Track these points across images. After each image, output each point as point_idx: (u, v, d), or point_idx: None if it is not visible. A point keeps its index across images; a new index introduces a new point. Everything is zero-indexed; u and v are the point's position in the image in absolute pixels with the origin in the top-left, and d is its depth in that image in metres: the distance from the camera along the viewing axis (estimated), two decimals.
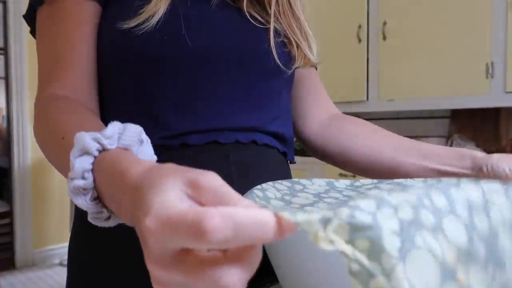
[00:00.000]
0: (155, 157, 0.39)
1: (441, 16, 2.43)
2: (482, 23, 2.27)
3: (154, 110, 0.54)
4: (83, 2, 0.56)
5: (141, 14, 0.52)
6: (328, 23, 2.73)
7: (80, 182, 0.34)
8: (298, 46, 0.65)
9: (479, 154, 0.63)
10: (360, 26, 2.79)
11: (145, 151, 0.37)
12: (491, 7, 2.24)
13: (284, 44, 0.64)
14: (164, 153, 0.52)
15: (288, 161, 0.68)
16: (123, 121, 0.39)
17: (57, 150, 0.43)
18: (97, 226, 0.55)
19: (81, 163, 0.34)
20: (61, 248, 3.48)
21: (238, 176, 0.56)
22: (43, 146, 0.49)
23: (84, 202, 0.35)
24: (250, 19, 0.60)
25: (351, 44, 2.83)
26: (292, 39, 0.64)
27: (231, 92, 0.57)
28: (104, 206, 0.36)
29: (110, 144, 0.34)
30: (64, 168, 0.39)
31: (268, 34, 0.61)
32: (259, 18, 0.62)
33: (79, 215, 0.59)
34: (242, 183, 0.55)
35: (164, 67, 0.54)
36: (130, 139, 0.35)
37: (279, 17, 0.64)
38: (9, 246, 3.36)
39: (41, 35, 0.58)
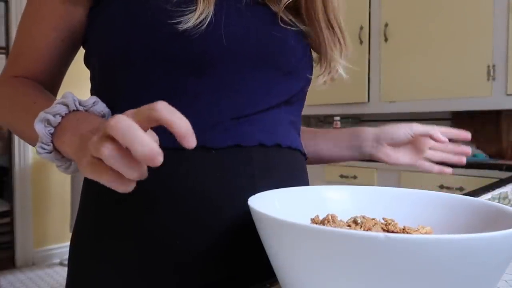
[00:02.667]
0: (107, 109, 0.51)
1: (442, 18, 2.43)
2: (483, 25, 2.27)
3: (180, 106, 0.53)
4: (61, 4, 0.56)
5: (191, 15, 0.50)
6: None
7: (52, 118, 0.46)
8: (328, 55, 0.65)
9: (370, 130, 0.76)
10: (361, 28, 2.79)
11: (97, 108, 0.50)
12: (492, 10, 2.24)
13: (310, 48, 0.64)
14: (181, 155, 0.51)
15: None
16: None
17: (27, 114, 0.51)
18: (99, 224, 0.55)
19: (59, 109, 0.46)
20: (61, 248, 3.48)
21: (261, 179, 0.55)
22: (6, 113, 0.57)
23: (48, 155, 0.49)
24: (280, 21, 0.59)
25: (353, 46, 2.84)
26: (323, 45, 0.64)
27: (253, 90, 0.56)
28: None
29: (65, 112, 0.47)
30: (31, 130, 0.47)
31: (293, 35, 0.60)
32: (286, 19, 0.60)
33: (83, 212, 0.58)
34: (265, 187, 0.54)
35: (204, 66, 0.52)
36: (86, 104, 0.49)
37: (311, 21, 0.63)
38: (10, 245, 3.36)
39: (21, 20, 0.61)
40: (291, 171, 0.60)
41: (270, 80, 0.58)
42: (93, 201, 0.57)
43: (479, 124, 2.58)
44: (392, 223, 0.43)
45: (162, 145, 0.51)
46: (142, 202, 0.52)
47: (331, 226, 0.43)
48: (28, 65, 0.60)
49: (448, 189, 2.21)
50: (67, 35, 0.58)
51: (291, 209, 0.47)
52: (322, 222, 0.44)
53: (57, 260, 3.42)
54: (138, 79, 0.54)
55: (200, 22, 0.51)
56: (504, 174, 2.00)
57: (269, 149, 0.57)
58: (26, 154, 3.31)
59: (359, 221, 0.43)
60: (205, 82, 0.53)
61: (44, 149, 0.48)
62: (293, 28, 0.60)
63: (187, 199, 0.52)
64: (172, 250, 0.52)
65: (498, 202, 0.78)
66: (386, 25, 2.68)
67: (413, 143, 0.76)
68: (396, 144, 0.75)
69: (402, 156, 0.75)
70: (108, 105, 0.53)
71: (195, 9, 0.51)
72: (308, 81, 0.64)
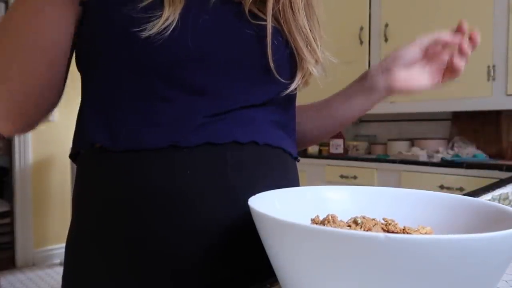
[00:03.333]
0: None
1: (442, 19, 2.43)
2: (483, 26, 2.27)
3: (148, 107, 0.53)
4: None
5: (156, 21, 0.50)
6: (329, 24, 2.73)
7: None
8: (300, 57, 0.59)
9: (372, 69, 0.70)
10: (362, 28, 2.79)
11: None
12: (492, 10, 2.24)
13: (286, 47, 0.59)
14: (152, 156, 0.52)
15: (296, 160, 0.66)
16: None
17: None
18: (90, 227, 0.55)
19: None
20: (61, 248, 3.48)
21: (236, 178, 0.54)
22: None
23: None
24: (249, 17, 0.56)
25: (353, 46, 2.84)
26: (293, 47, 0.59)
27: (226, 90, 0.55)
28: None
29: None
30: None
31: (266, 34, 0.56)
32: (260, 15, 0.57)
33: (75, 216, 0.59)
34: (241, 187, 0.54)
35: (171, 69, 0.52)
36: None
37: (279, 18, 0.59)
38: (10, 246, 3.36)
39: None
40: (270, 169, 0.58)
41: (244, 81, 0.56)
42: (83, 204, 0.57)
43: (479, 124, 2.58)
44: (392, 223, 0.43)
45: (140, 146, 0.52)
46: (125, 206, 0.52)
47: (331, 226, 0.43)
48: None
49: (448, 189, 2.21)
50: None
51: (291, 209, 0.47)
52: (322, 222, 0.44)
53: (58, 261, 3.42)
54: (112, 84, 0.54)
55: (164, 28, 0.50)
56: (504, 175, 2.00)
57: (244, 146, 0.55)
58: (26, 155, 3.31)
59: (359, 221, 0.43)
60: (175, 85, 0.53)
61: None
62: (263, 23, 0.56)
63: (164, 201, 0.52)
64: (161, 252, 0.52)
65: (499, 203, 0.78)
66: (386, 25, 2.68)
67: (429, 59, 0.69)
68: (407, 64, 0.68)
69: (418, 77, 0.69)
70: (92, 108, 0.55)
71: (161, 15, 0.50)
72: (285, 85, 0.59)
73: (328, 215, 0.44)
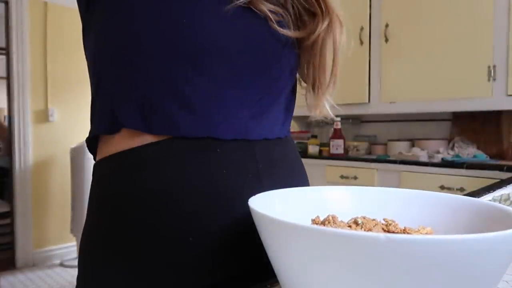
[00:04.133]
0: None
1: (443, 19, 2.43)
2: (484, 26, 2.27)
3: (181, 94, 0.53)
4: None
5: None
6: None
7: None
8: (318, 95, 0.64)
9: None
10: (362, 28, 2.79)
11: None
12: (492, 10, 2.24)
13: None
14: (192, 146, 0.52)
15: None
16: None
17: None
18: (108, 228, 0.55)
19: None
20: (61, 249, 3.48)
21: (266, 176, 0.56)
22: None
23: None
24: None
25: (353, 46, 2.84)
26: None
27: (249, 87, 0.57)
28: None
29: None
30: None
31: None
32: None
33: (93, 213, 0.58)
34: (270, 183, 0.56)
35: (198, 57, 0.53)
36: None
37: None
38: (10, 246, 3.36)
39: None
40: (291, 163, 0.63)
41: (262, 75, 0.58)
42: (108, 203, 0.56)
43: (480, 124, 2.58)
44: (393, 223, 0.43)
45: (177, 133, 0.52)
46: (162, 203, 0.52)
47: (331, 226, 0.43)
48: None
49: (449, 189, 2.20)
50: None
51: (291, 209, 0.47)
52: (323, 223, 0.44)
53: (58, 261, 3.42)
54: (143, 68, 0.53)
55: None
56: (505, 175, 2.00)
57: (271, 142, 0.59)
58: (26, 155, 3.31)
59: (359, 222, 0.43)
60: (204, 74, 0.53)
61: None
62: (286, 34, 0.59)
63: (190, 198, 0.52)
64: (176, 250, 0.52)
65: (500, 204, 0.78)
66: (387, 25, 2.68)
67: None
68: None
69: None
70: (120, 90, 0.54)
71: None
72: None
73: (328, 216, 0.44)
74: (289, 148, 0.64)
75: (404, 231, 0.42)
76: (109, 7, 0.54)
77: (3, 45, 3.36)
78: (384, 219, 0.45)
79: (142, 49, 0.52)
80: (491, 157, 2.43)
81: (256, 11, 0.57)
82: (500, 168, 2.08)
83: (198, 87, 0.53)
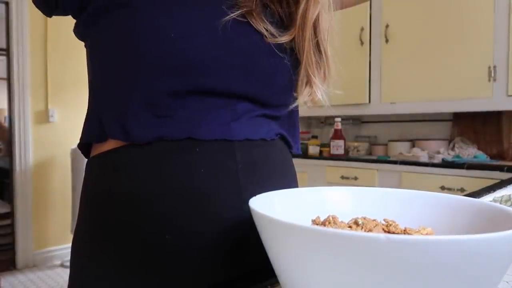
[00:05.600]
0: None
1: (443, 20, 2.43)
2: (484, 26, 2.27)
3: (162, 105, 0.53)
4: None
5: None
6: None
7: None
8: (309, 79, 0.61)
9: None
10: (362, 29, 2.79)
11: None
12: (493, 11, 2.24)
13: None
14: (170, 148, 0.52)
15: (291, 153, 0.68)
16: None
17: None
18: (98, 224, 0.55)
19: None
20: (62, 249, 3.48)
21: (245, 177, 0.55)
22: None
23: None
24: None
25: (354, 47, 2.84)
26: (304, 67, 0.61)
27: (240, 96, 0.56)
28: None
29: None
30: None
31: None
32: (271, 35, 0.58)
33: (83, 214, 0.59)
34: (249, 185, 0.55)
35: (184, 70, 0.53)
36: None
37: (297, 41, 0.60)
38: (10, 247, 3.36)
39: None
40: (276, 167, 0.61)
41: (253, 87, 0.57)
42: (93, 202, 0.57)
43: (480, 125, 2.58)
44: (393, 224, 0.43)
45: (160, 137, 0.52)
46: (138, 202, 0.52)
47: (332, 227, 0.43)
48: None
49: (449, 190, 2.20)
50: None
51: (291, 210, 0.47)
52: (323, 223, 0.44)
53: (58, 262, 3.42)
54: (127, 82, 0.54)
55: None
56: (505, 175, 2.00)
57: (254, 143, 0.58)
58: (26, 156, 3.31)
59: (360, 222, 0.43)
60: (189, 85, 0.53)
61: None
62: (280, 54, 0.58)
63: (165, 197, 0.52)
64: (170, 252, 0.52)
65: (501, 204, 0.78)
66: (387, 26, 2.68)
67: None
68: None
69: None
70: (106, 103, 0.55)
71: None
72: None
73: (328, 216, 0.44)
74: (276, 150, 0.61)
75: (404, 231, 0.42)
76: (105, 22, 0.55)
77: (3, 46, 3.36)
78: (384, 220, 0.45)
79: (130, 61, 0.53)
80: (492, 157, 2.43)
81: (252, 24, 0.57)
82: (500, 168, 2.08)
83: (183, 100, 0.53)
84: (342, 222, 0.44)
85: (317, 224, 0.44)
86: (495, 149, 2.50)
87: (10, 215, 3.40)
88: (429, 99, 2.49)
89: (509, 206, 0.77)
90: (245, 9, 0.56)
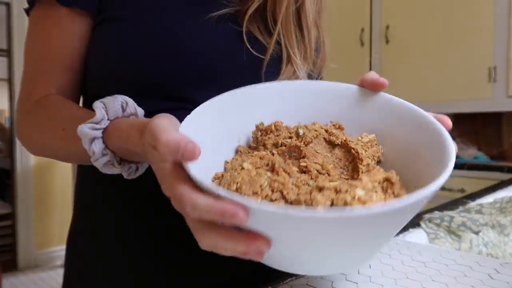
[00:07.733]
0: (141, 111, 0.46)
1: (443, 20, 2.43)
2: (484, 27, 2.27)
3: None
4: (75, 16, 0.54)
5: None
6: (331, 26, 2.73)
7: (104, 159, 0.42)
8: (290, 61, 0.60)
9: None
10: (363, 30, 2.79)
11: (131, 110, 0.45)
12: (493, 11, 2.24)
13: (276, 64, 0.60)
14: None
15: None
16: None
17: (59, 140, 0.49)
18: (92, 226, 0.56)
19: (97, 147, 0.42)
20: (63, 250, 3.48)
21: None
22: (40, 139, 0.53)
23: (115, 169, 0.43)
24: (248, 41, 0.57)
25: (354, 48, 2.84)
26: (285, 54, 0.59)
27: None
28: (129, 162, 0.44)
29: (105, 123, 0.43)
30: (69, 152, 0.49)
31: (263, 64, 0.57)
32: (259, 37, 0.58)
33: (76, 215, 0.60)
34: None
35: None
36: (114, 111, 0.43)
37: (282, 34, 0.59)
38: (12, 248, 3.36)
39: (30, 35, 0.56)
40: None
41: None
42: (86, 203, 0.58)
43: (480, 126, 2.58)
44: (334, 133, 0.43)
45: None
46: (132, 204, 0.53)
47: (274, 136, 0.43)
48: (54, 79, 0.55)
49: (450, 190, 2.21)
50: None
51: (227, 120, 0.44)
52: (266, 130, 0.44)
53: (60, 262, 3.42)
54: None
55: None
56: (506, 176, 2.00)
57: None
58: (28, 157, 3.31)
59: (301, 133, 0.43)
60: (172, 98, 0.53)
61: (105, 154, 0.43)
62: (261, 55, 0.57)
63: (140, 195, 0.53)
64: (167, 252, 0.52)
65: (502, 206, 0.78)
66: (387, 27, 2.68)
67: None
68: None
69: None
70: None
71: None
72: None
73: (271, 124, 0.44)
74: None
75: (345, 141, 0.43)
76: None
77: (4, 46, 3.36)
78: (331, 124, 0.46)
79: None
80: (492, 158, 2.44)
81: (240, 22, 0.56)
82: (501, 169, 2.08)
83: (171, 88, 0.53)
84: (286, 127, 0.44)
85: (260, 131, 0.44)
86: (495, 149, 2.50)
87: (11, 216, 3.40)
88: (429, 100, 2.50)
89: (510, 207, 0.77)
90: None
